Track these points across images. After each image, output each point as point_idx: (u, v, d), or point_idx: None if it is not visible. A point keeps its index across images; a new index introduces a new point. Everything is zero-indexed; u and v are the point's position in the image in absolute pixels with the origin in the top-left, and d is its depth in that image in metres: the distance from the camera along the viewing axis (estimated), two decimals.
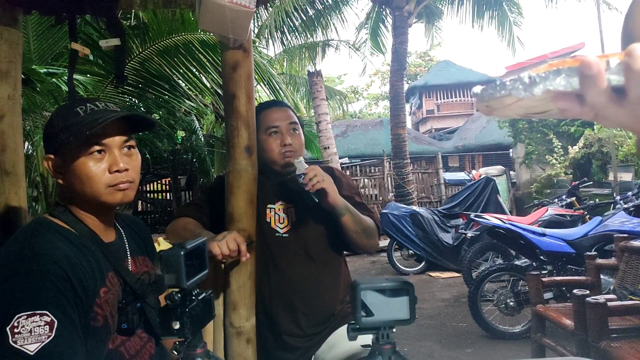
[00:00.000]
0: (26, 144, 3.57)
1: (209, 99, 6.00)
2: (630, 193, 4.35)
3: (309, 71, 9.09)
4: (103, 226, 1.06)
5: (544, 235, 3.80)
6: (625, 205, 4.00)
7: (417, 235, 6.20)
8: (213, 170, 8.78)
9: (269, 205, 1.56)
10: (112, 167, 1.01)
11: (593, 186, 6.89)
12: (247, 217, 1.46)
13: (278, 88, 5.84)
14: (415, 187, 9.14)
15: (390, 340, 0.88)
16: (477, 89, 0.44)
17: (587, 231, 3.77)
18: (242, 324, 1.43)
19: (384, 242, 6.44)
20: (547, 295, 3.44)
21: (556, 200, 5.25)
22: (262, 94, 8.86)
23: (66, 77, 2.35)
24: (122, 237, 1.13)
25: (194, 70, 3.99)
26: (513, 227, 3.88)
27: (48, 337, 0.84)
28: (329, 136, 8.30)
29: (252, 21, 1.48)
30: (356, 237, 1.50)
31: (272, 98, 5.60)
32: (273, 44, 9.93)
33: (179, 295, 0.91)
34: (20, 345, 0.82)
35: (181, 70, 3.94)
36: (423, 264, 6.37)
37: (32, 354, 0.82)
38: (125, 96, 4.16)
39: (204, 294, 0.97)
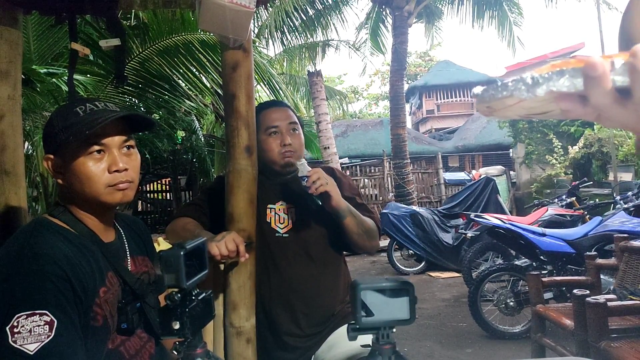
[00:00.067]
0: (26, 144, 3.57)
1: (209, 99, 6.00)
2: (630, 193, 4.35)
3: (309, 71, 9.09)
4: (103, 226, 1.06)
5: (544, 235, 3.80)
6: (625, 205, 4.00)
7: (417, 235, 6.19)
8: (213, 170, 8.78)
9: (269, 206, 1.56)
10: (111, 167, 1.01)
11: (593, 186, 6.89)
12: (247, 217, 1.46)
13: (278, 88, 5.84)
14: (415, 187, 9.14)
15: (390, 340, 0.88)
16: (478, 89, 0.43)
17: (587, 231, 3.77)
18: (242, 324, 1.43)
19: (384, 242, 6.44)
20: (547, 295, 3.45)
21: (556, 200, 5.25)
22: (262, 94, 8.86)
23: (66, 77, 2.35)
24: (122, 237, 1.13)
25: (194, 70, 3.99)
26: (513, 227, 3.88)
27: (48, 337, 0.84)
28: (329, 136, 8.31)
29: (252, 21, 1.48)
30: (357, 238, 1.50)
31: (272, 98, 5.60)
32: (273, 44, 9.96)
33: (179, 295, 0.91)
34: (20, 345, 0.82)
35: (181, 70, 3.94)
36: (423, 264, 6.37)
37: (31, 353, 0.82)
38: (125, 96, 4.15)
39: (204, 294, 0.97)
